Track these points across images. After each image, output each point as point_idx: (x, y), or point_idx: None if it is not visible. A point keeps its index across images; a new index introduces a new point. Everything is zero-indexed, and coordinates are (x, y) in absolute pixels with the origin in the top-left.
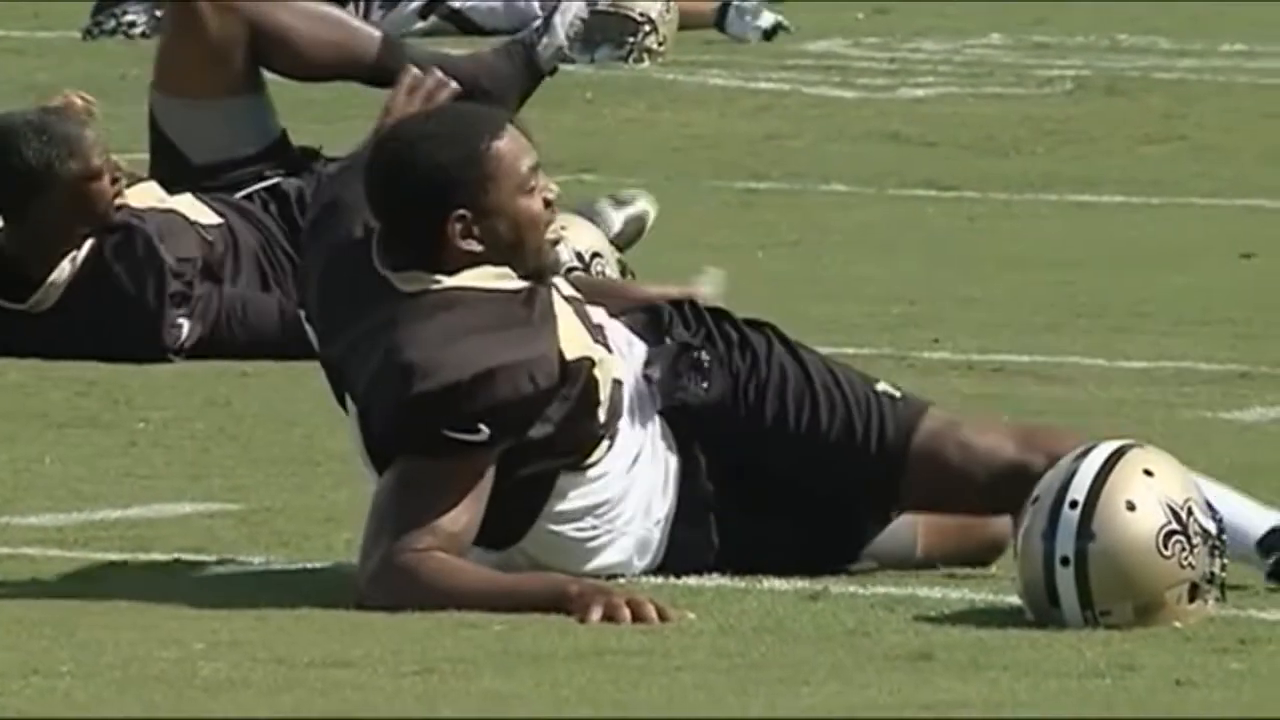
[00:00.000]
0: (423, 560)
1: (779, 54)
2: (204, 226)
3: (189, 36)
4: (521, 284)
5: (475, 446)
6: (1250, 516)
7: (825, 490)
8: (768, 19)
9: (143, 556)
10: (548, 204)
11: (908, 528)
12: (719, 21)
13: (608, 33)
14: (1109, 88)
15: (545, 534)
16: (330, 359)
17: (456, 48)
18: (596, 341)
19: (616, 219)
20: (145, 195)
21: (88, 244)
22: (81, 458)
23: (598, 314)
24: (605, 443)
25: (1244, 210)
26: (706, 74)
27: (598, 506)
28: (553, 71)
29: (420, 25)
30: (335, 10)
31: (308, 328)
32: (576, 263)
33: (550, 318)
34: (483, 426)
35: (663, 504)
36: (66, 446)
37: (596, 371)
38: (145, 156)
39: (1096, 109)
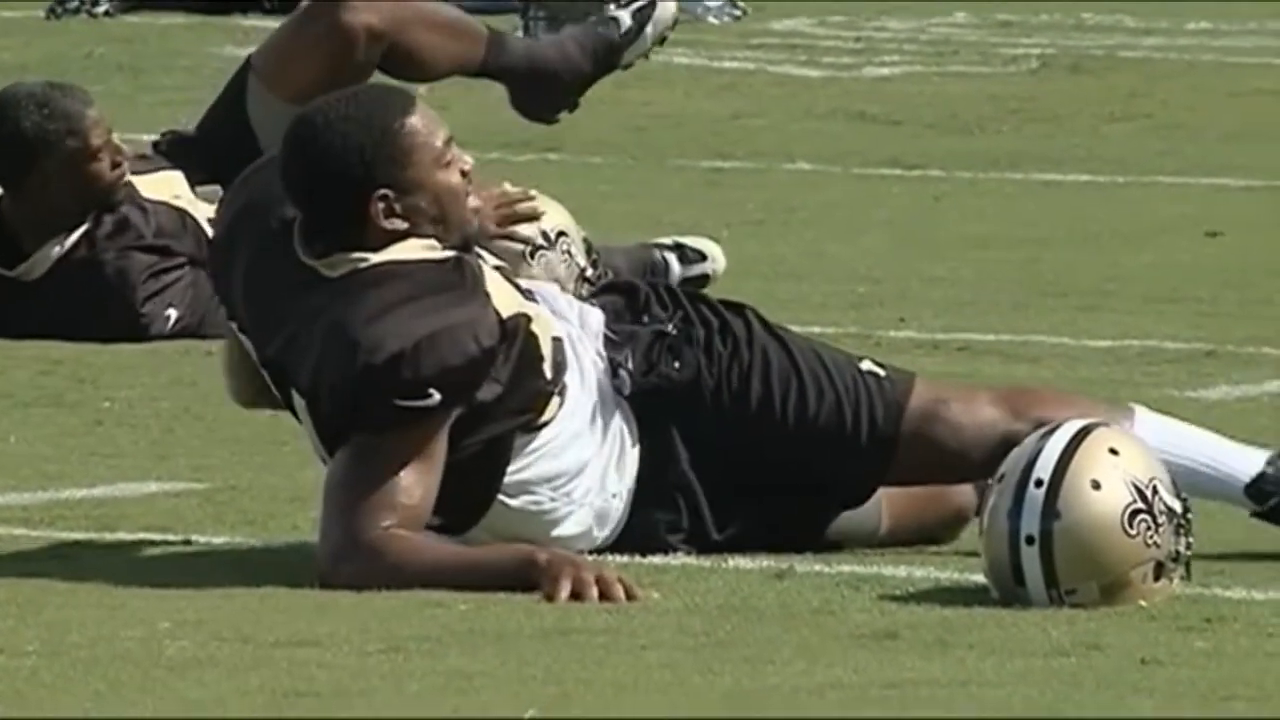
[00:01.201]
0: (386, 539)
1: (744, 33)
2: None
3: (329, 55)
4: (448, 253)
5: (427, 413)
6: (1234, 460)
7: (813, 476)
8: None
9: (108, 536)
10: (464, 175)
11: (872, 504)
12: None
13: (573, 13)
14: (1074, 66)
15: (504, 510)
16: (269, 360)
17: None
18: (526, 296)
19: (677, 272)
20: (161, 187)
21: (85, 224)
22: (46, 437)
23: (525, 281)
24: (556, 399)
25: (1209, 189)
26: (672, 53)
27: (554, 478)
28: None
29: None
30: (456, 14)
31: (242, 338)
32: (542, 241)
33: (481, 281)
34: (432, 391)
35: (618, 478)
36: (31, 426)
37: (534, 327)
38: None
39: (1062, 87)
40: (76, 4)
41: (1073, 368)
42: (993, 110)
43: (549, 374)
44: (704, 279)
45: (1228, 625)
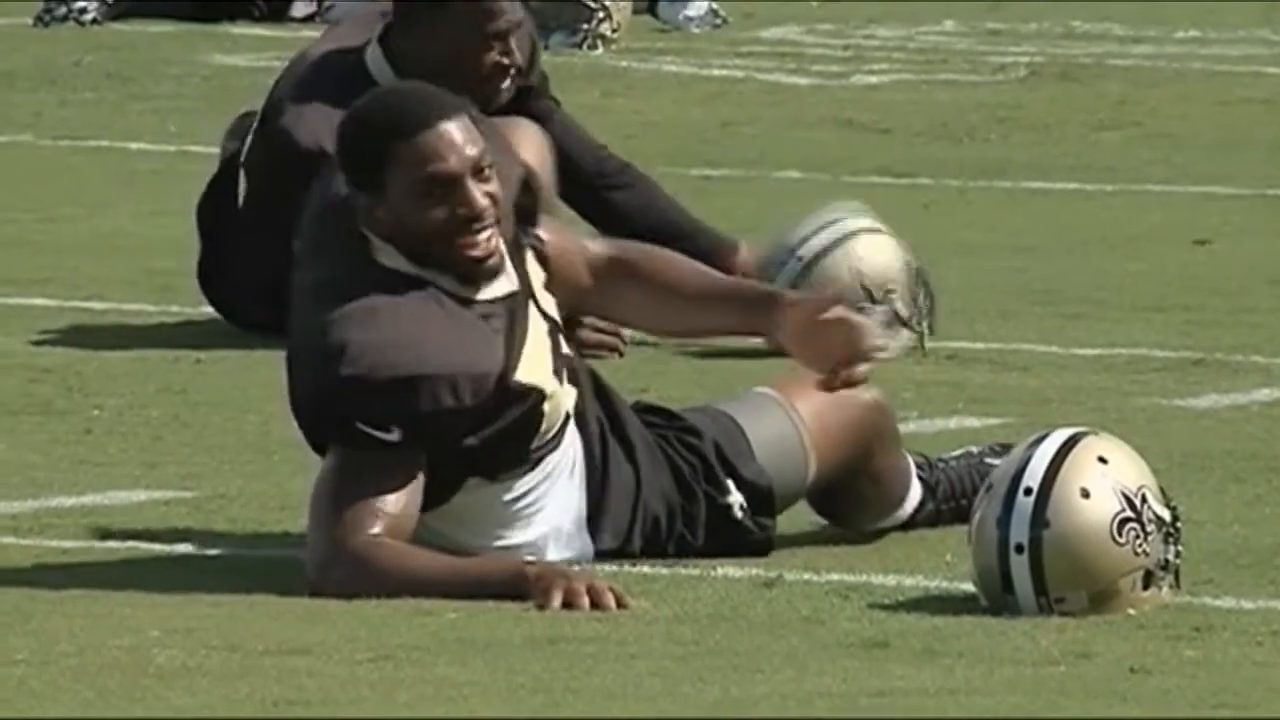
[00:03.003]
0: (372, 546)
1: (733, 41)
2: None
3: None
4: (497, 293)
5: (386, 444)
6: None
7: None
8: (698, 7)
9: (97, 544)
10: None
11: (794, 439)
12: (651, 7)
13: (561, 19)
14: (1063, 74)
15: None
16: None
17: None
18: (557, 372)
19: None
20: None
21: None
22: (36, 445)
23: (567, 345)
24: (528, 467)
25: (1198, 197)
26: (660, 61)
27: (508, 505)
28: None
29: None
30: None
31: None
32: (868, 301)
33: (514, 335)
34: (395, 429)
35: (577, 505)
36: (20, 434)
37: (545, 405)
38: (101, 144)
39: (1050, 95)
40: (64, 11)
41: (1061, 376)
42: (981, 118)
43: (533, 446)
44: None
45: (1217, 634)
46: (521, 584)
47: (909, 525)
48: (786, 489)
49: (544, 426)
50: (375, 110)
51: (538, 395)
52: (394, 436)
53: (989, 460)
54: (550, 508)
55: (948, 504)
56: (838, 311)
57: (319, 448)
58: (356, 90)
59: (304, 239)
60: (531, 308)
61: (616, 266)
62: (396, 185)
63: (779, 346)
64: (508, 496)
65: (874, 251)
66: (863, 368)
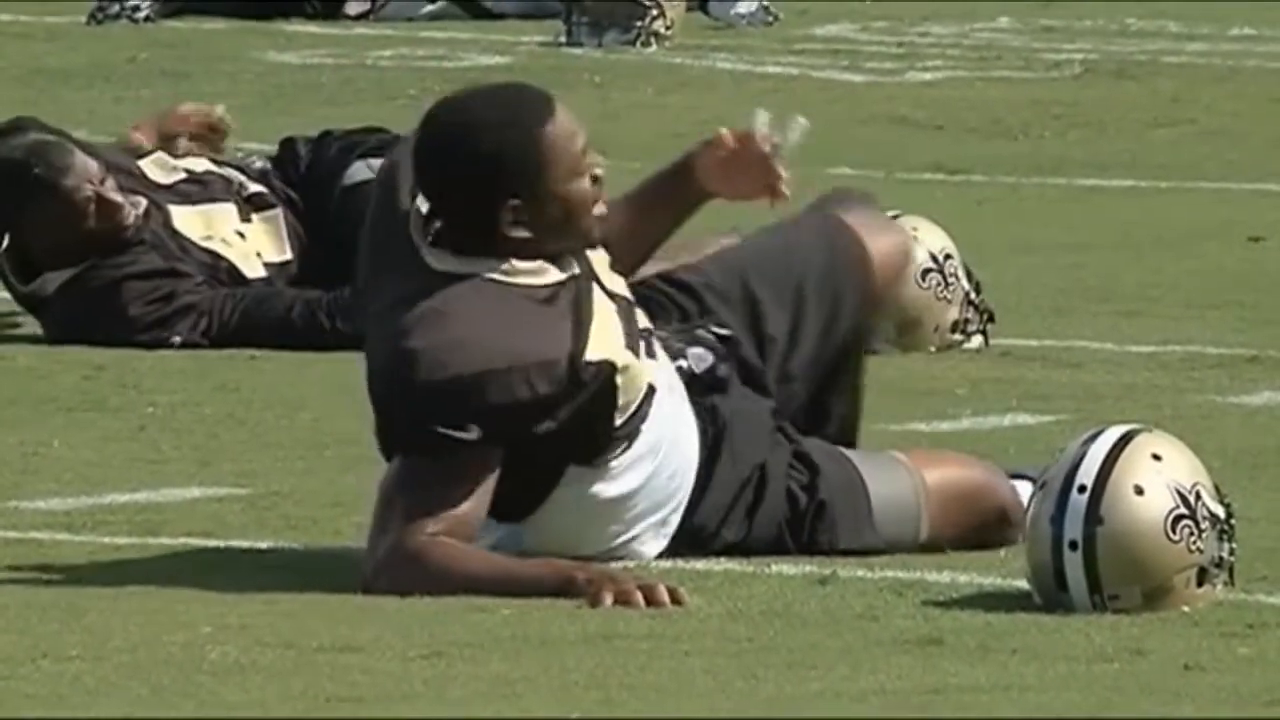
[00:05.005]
0: (430, 546)
1: (787, 38)
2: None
3: None
4: (557, 277)
5: (465, 444)
6: None
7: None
8: (748, 5)
9: (151, 541)
10: (595, 180)
11: (911, 508)
12: (702, 5)
13: (615, 17)
14: (1117, 71)
15: (552, 516)
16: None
17: (464, 32)
18: (631, 347)
19: None
20: (195, 223)
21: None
22: (90, 442)
23: (645, 318)
24: (623, 443)
25: (1252, 194)
26: (714, 58)
27: (611, 500)
28: None
29: (429, 9)
30: None
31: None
32: (930, 263)
33: (580, 316)
34: (473, 427)
35: (680, 491)
36: (75, 430)
37: (618, 377)
38: None
39: (1105, 93)
40: (118, 9)
41: (1116, 373)
42: (1035, 115)
43: (619, 421)
44: None
45: (1270, 631)
46: (570, 588)
47: None
48: (898, 543)
49: (623, 400)
50: (494, 131)
51: (609, 368)
52: (472, 435)
53: None
54: (648, 489)
55: None
56: (727, 137)
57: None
58: None
59: (364, 263)
60: (596, 289)
61: None
62: (552, 178)
63: (713, 193)
64: (607, 476)
65: (925, 224)
66: (782, 173)
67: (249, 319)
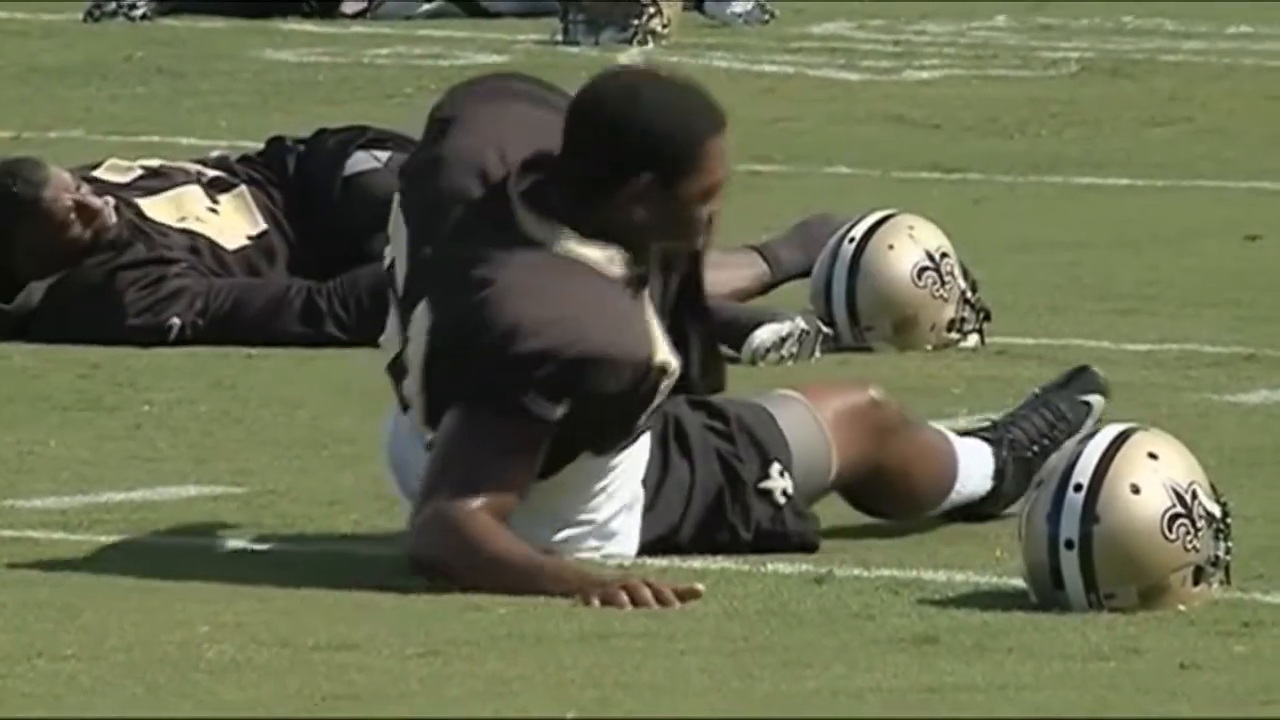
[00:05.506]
0: (469, 516)
1: (783, 37)
2: (234, 244)
3: None
4: (631, 271)
5: (544, 422)
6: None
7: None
8: (743, 4)
9: (147, 540)
10: (709, 221)
11: (818, 434)
12: (697, 4)
13: (612, 16)
14: (1114, 70)
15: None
16: (423, 258)
17: (461, 30)
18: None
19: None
20: (166, 208)
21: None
22: (86, 440)
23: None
24: (636, 438)
25: (1249, 193)
26: (711, 56)
27: (596, 490)
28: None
29: (426, 7)
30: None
31: (395, 209)
32: (927, 262)
33: (650, 317)
34: (559, 407)
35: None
36: (71, 429)
37: (664, 381)
38: (152, 139)
39: (1101, 91)
40: (114, 7)
41: (1112, 371)
42: (1032, 114)
43: (640, 422)
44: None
45: (1267, 630)
46: (588, 589)
47: (1000, 487)
48: (813, 482)
49: (657, 402)
50: (672, 114)
51: (661, 372)
52: (556, 414)
53: (1049, 393)
54: (631, 481)
55: (1029, 450)
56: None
57: (440, 404)
58: None
59: (449, 221)
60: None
61: None
62: (690, 186)
63: None
64: (607, 467)
65: (922, 223)
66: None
67: (245, 296)
